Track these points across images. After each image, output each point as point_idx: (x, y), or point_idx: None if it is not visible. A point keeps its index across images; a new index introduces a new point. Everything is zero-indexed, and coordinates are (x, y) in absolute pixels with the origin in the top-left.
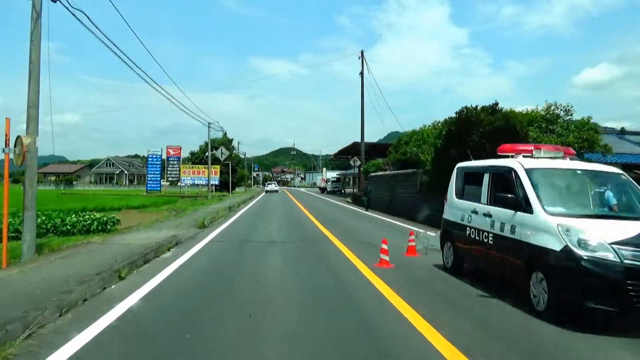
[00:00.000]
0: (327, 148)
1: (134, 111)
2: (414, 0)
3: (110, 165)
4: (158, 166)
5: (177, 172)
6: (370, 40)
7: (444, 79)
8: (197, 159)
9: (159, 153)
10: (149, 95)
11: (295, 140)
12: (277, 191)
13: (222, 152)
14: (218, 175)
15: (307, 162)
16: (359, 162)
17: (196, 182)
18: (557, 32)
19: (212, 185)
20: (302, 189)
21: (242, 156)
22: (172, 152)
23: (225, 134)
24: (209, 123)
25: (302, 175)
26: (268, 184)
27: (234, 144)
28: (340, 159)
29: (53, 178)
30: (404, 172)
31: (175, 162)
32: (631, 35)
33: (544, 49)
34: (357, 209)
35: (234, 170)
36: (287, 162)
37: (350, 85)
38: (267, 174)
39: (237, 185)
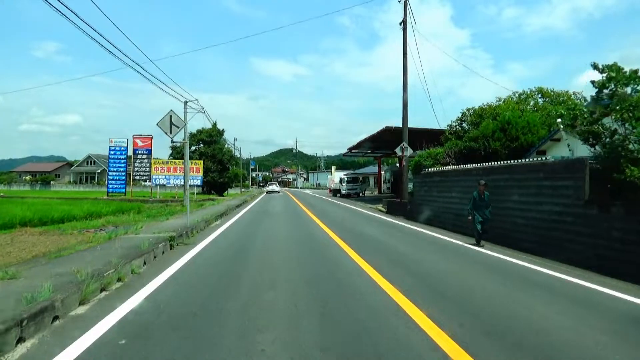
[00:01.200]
0: (328, 149)
1: (135, 112)
2: (416, 1)
3: (91, 164)
4: (123, 162)
5: (147, 169)
6: (371, 41)
7: (445, 80)
8: (179, 153)
9: (124, 145)
10: (149, 96)
11: (297, 144)
12: (279, 192)
13: (170, 123)
14: (201, 174)
15: (308, 164)
16: (410, 151)
17: (171, 182)
18: (558, 34)
19: (193, 185)
20: (307, 191)
21: (236, 152)
22: (140, 144)
23: (215, 124)
24: (186, 101)
25: (304, 176)
26: (269, 184)
27: (227, 137)
28: (356, 154)
29: (28, 177)
30: (540, 164)
31: (144, 156)
32: (632, 37)
33: (545, 50)
34: (430, 232)
35: (225, 167)
36: (288, 161)
37: (349, 86)
38: (267, 174)
39: (229, 185)
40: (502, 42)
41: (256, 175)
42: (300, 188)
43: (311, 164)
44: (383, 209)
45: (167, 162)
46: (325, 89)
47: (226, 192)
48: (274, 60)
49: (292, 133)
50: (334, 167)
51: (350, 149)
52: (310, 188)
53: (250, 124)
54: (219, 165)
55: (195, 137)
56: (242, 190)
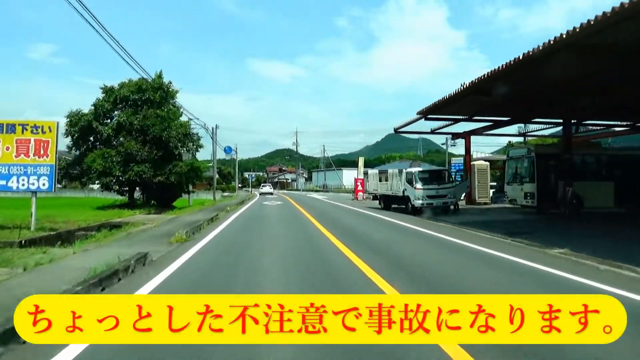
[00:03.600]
0: (327, 150)
1: None
2: (413, 2)
3: None
4: None
5: None
6: (369, 42)
7: (443, 81)
8: (75, 126)
9: None
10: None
11: (293, 142)
12: (272, 193)
13: None
14: (52, 160)
15: (305, 164)
16: None
17: None
18: (555, 34)
19: (31, 190)
20: (316, 195)
21: (197, 123)
22: None
23: (159, 74)
24: None
25: (305, 176)
26: (262, 186)
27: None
28: (432, 121)
29: None
30: None
31: None
32: None
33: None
34: None
35: (171, 154)
36: (287, 157)
37: (347, 87)
38: (262, 174)
39: (183, 189)
40: (499, 43)
41: (249, 175)
42: (303, 190)
43: (308, 164)
44: None
45: None
46: (322, 90)
47: (189, 197)
48: (272, 62)
49: (289, 134)
50: (361, 159)
51: (424, 112)
52: (316, 190)
53: (248, 125)
54: (158, 149)
55: (111, 94)
56: (225, 194)
